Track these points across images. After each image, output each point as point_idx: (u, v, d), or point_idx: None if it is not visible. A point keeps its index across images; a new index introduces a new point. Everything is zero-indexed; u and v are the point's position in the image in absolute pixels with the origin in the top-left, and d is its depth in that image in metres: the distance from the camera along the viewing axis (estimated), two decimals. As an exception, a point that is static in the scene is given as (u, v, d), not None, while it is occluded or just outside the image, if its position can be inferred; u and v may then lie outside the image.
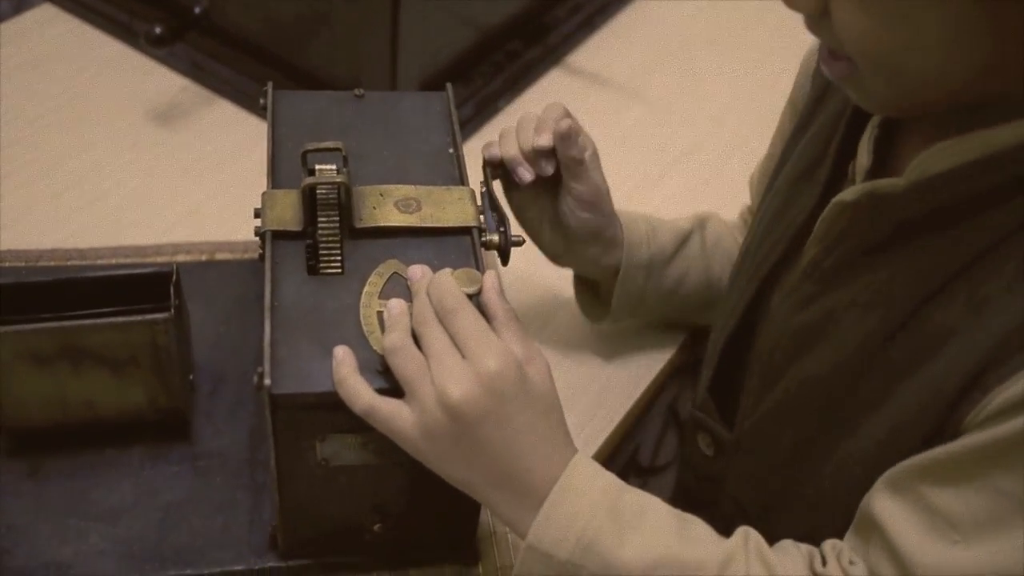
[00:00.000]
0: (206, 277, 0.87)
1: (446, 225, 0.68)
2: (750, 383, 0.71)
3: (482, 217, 0.70)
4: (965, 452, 0.53)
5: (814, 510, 0.65)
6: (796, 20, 0.56)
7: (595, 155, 0.77)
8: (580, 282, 0.88)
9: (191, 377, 0.78)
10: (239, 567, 0.70)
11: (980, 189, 0.54)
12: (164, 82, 1.11)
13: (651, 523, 0.58)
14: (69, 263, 0.90)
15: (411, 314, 0.60)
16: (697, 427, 0.79)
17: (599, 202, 0.78)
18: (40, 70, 1.11)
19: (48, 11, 1.18)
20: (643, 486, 0.62)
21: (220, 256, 0.93)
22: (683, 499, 0.62)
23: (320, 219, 0.66)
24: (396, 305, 0.61)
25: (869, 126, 0.63)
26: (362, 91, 0.78)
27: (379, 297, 0.64)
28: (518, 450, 0.58)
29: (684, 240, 0.85)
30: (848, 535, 0.61)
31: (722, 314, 0.78)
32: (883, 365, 0.59)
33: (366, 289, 0.64)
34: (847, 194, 0.60)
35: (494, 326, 0.59)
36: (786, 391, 0.66)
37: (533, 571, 0.58)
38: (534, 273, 0.85)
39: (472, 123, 1.09)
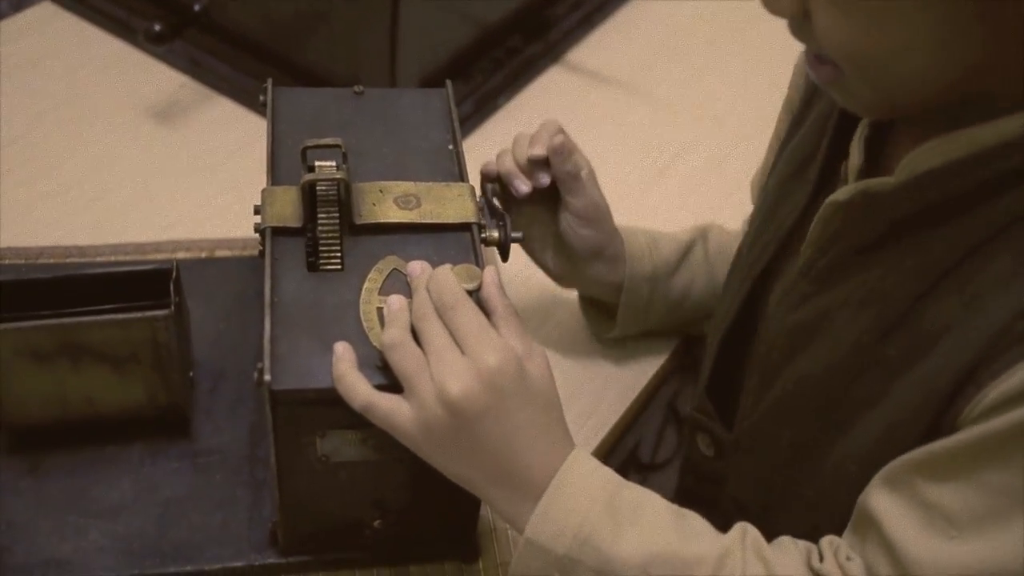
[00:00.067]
0: (206, 274, 0.87)
1: (446, 221, 0.68)
2: (749, 383, 0.71)
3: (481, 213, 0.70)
4: (960, 447, 0.53)
5: (814, 509, 0.65)
6: (795, 17, 0.56)
7: (591, 173, 0.78)
8: (586, 299, 0.89)
9: (191, 374, 0.78)
10: (239, 563, 0.70)
11: (968, 186, 0.54)
12: (163, 79, 1.11)
13: (649, 518, 0.58)
14: (69, 260, 0.90)
15: (411, 310, 0.60)
16: (696, 428, 0.79)
17: (598, 217, 0.79)
18: (39, 68, 1.11)
19: (47, 9, 1.18)
20: (643, 482, 0.62)
21: (220, 253, 0.93)
22: (684, 499, 0.62)
23: (320, 215, 0.66)
24: (396, 301, 0.61)
25: (860, 126, 0.63)
26: (361, 88, 0.78)
27: (379, 293, 0.64)
28: (517, 446, 0.58)
29: (687, 251, 0.85)
30: (846, 532, 0.61)
31: (717, 315, 0.78)
32: (878, 363, 0.59)
33: (366, 285, 0.64)
34: (840, 194, 0.60)
35: (494, 322, 0.59)
36: (783, 391, 0.66)
37: (531, 566, 0.58)
38: (534, 270, 0.85)
39: (472, 120, 1.09)
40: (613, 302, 0.84)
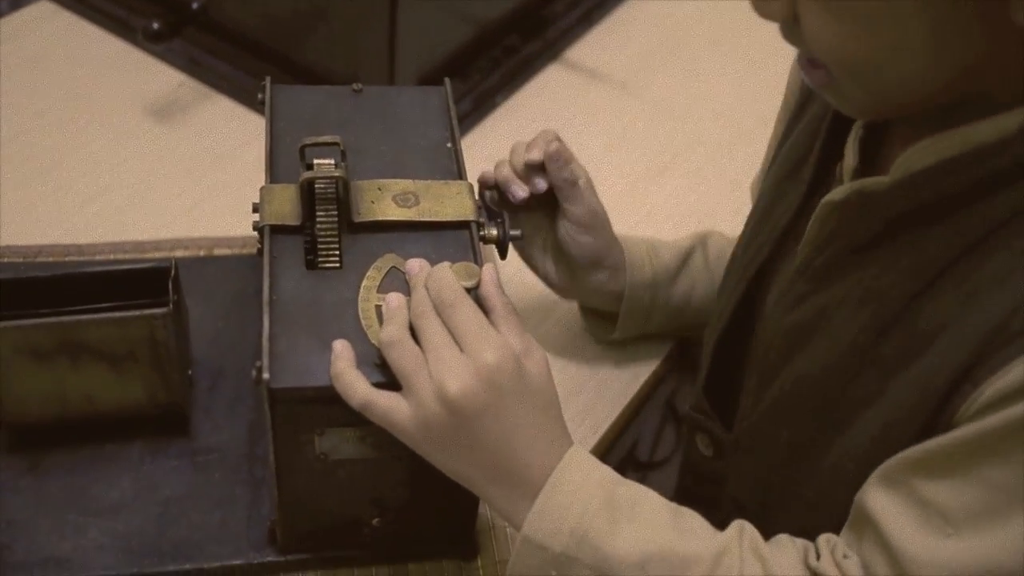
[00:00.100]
0: (204, 273, 0.87)
1: (444, 219, 0.68)
2: (749, 383, 0.71)
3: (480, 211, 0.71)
4: (957, 444, 0.53)
5: (813, 509, 0.65)
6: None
7: (589, 182, 0.79)
8: (586, 308, 0.89)
9: (190, 372, 0.78)
10: (238, 561, 0.70)
11: (963, 184, 0.54)
12: (162, 78, 1.11)
13: (646, 516, 0.59)
14: (68, 259, 0.90)
15: (409, 308, 0.60)
16: (695, 428, 0.79)
17: (597, 225, 0.79)
18: (37, 67, 1.11)
19: (45, 7, 1.18)
20: (642, 481, 0.62)
21: (218, 252, 0.93)
22: (683, 499, 0.62)
23: (318, 213, 0.66)
24: (394, 299, 0.61)
25: (854, 127, 0.63)
26: (360, 86, 0.78)
27: (377, 291, 0.64)
28: (515, 444, 0.58)
29: (687, 257, 0.85)
30: (844, 530, 0.61)
31: (713, 316, 0.78)
32: (875, 362, 0.59)
33: (364, 283, 0.64)
34: (835, 194, 0.60)
35: (492, 319, 0.59)
36: (781, 391, 0.66)
37: (528, 564, 0.58)
38: (532, 267, 0.85)
39: (470, 118, 1.09)
40: (614, 311, 0.84)
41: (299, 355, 0.60)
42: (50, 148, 1.02)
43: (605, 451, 0.86)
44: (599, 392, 0.87)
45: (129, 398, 0.73)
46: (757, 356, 0.70)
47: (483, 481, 0.59)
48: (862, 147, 0.62)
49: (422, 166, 0.73)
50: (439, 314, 0.58)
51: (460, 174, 0.72)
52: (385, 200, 0.69)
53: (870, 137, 0.62)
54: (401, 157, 0.73)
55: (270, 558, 0.70)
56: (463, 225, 0.69)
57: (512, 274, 0.93)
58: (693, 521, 0.60)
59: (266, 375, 0.58)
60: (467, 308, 0.58)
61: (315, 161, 0.67)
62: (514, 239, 0.73)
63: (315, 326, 0.62)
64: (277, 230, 0.67)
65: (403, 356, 0.57)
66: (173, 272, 0.72)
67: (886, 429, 0.58)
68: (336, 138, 0.67)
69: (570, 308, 0.91)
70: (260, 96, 0.77)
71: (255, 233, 0.68)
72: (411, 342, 0.58)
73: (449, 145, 0.75)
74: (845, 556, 0.58)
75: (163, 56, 1.12)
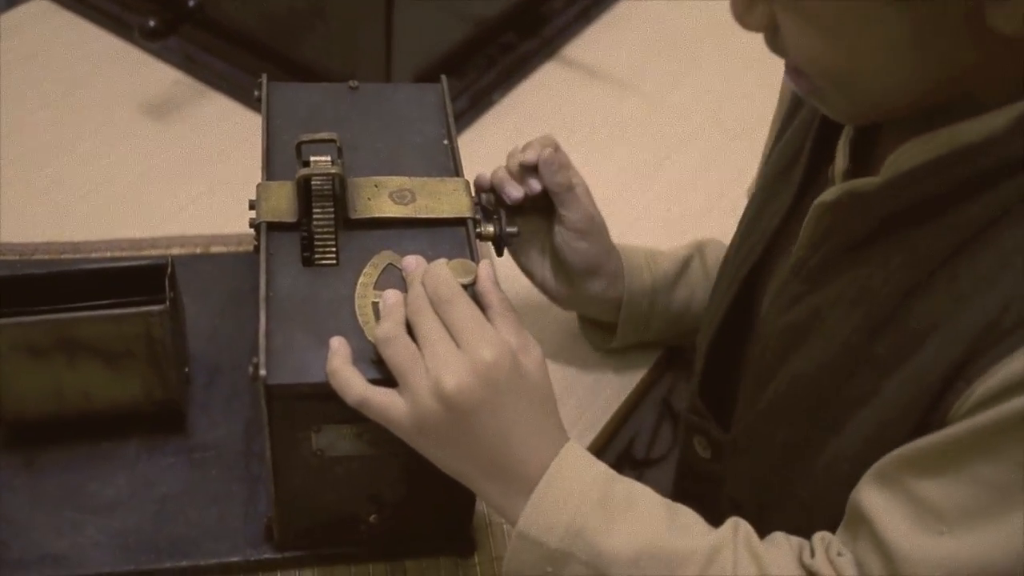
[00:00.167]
0: (201, 270, 0.87)
1: (441, 216, 0.68)
2: (745, 384, 0.71)
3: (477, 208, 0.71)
4: (949, 442, 0.53)
5: (808, 509, 0.65)
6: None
7: (585, 188, 0.78)
8: (585, 317, 0.89)
9: (186, 369, 0.78)
10: (235, 558, 0.70)
11: (951, 184, 0.54)
12: (158, 75, 1.11)
13: (641, 512, 0.59)
14: (64, 256, 0.90)
15: (406, 304, 0.60)
16: (692, 431, 0.79)
17: (593, 230, 0.79)
18: (33, 64, 1.11)
19: (41, 5, 1.18)
20: (639, 478, 0.62)
21: (215, 249, 0.93)
22: (681, 500, 0.62)
23: (315, 210, 0.66)
24: (391, 295, 0.61)
25: (845, 130, 0.63)
26: (357, 83, 0.78)
27: (374, 288, 0.64)
28: (512, 440, 0.58)
29: (685, 264, 0.85)
30: (840, 528, 0.61)
31: (706, 318, 0.78)
32: (869, 361, 0.59)
33: (361, 280, 0.64)
34: (827, 195, 0.60)
35: (489, 316, 0.59)
36: (777, 391, 0.66)
37: (523, 560, 0.59)
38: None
39: (467, 116, 1.09)
40: (612, 321, 0.84)
41: (295, 352, 0.60)
42: (46, 145, 1.02)
43: (601, 448, 0.86)
44: (595, 390, 0.87)
45: (125, 395, 0.73)
46: (753, 357, 0.70)
47: (479, 477, 0.59)
48: (853, 148, 0.62)
49: (419, 163, 0.73)
50: (435, 310, 0.58)
51: (457, 171, 0.73)
52: (381, 197, 0.69)
53: (861, 138, 0.63)
54: (397, 154, 0.73)
55: (267, 555, 0.70)
56: (459, 222, 0.69)
57: (508, 271, 0.93)
58: (688, 518, 0.60)
59: (263, 371, 0.58)
60: (463, 304, 0.58)
61: (311, 158, 0.68)
62: (511, 236, 0.73)
63: (311, 323, 0.62)
64: (274, 227, 0.67)
65: (399, 352, 0.58)
66: (169, 269, 0.73)
67: (880, 428, 0.58)
68: (332, 135, 0.67)
69: (567, 305, 0.91)
70: (256, 93, 0.77)
71: (251, 230, 0.68)
72: (407, 338, 0.58)
73: (446, 142, 0.75)
74: (839, 554, 0.58)
75: (159, 54, 1.12)
